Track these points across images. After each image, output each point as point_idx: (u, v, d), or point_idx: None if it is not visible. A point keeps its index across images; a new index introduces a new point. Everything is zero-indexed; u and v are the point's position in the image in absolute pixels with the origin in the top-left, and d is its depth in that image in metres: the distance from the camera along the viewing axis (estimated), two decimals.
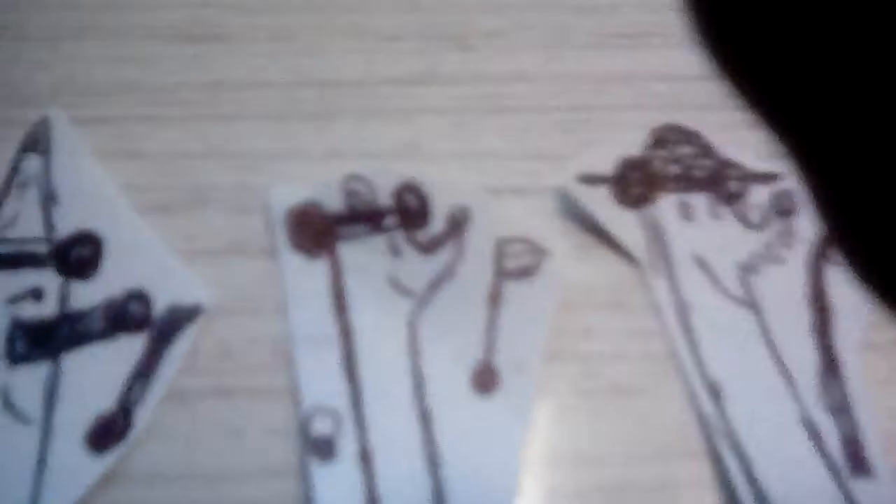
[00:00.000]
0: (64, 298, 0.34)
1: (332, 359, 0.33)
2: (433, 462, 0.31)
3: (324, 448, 0.31)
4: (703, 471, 0.32)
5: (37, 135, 0.38)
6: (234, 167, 0.38)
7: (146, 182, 0.38)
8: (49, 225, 0.36)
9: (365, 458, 0.31)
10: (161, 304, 0.34)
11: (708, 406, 0.33)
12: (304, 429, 0.31)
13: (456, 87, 0.42)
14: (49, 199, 0.36)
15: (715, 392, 0.34)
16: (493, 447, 0.32)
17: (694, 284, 0.36)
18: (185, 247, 0.36)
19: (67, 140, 0.38)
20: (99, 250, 0.35)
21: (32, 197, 0.36)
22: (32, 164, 0.37)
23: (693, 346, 0.35)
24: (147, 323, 0.34)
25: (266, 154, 0.39)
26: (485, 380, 0.33)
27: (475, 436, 0.32)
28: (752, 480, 0.32)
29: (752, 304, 0.36)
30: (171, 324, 0.34)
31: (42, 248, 0.35)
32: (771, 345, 0.35)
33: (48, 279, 0.34)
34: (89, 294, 0.34)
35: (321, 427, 0.32)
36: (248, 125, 0.40)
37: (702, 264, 0.37)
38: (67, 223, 0.36)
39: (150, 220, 0.37)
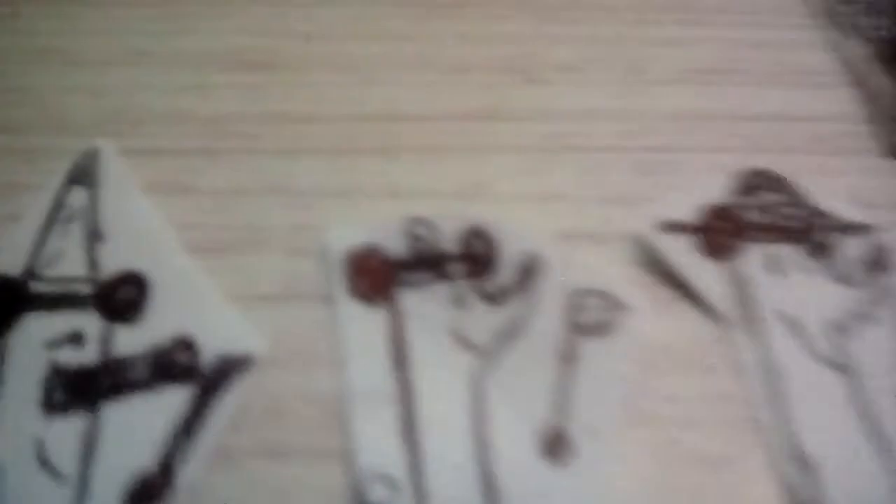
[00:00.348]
0: (106, 343, 0.32)
1: (389, 419, 0.31)
2: None
3: None
4: None
5: (84, 166, 0.36)
6: (289, 205, 0.36)
7: (197, 220, 0.36)
8: (93, 264, 0.34)
9: None
10: (209, 352, 0.32)
11: (798, 479, 0.30)
12: (357, 495, 0.29)
13: (524, 123, 0.39)
14: (94, 236, 0.34)
15: (805, 464, 0.30)
16: None
17: (782, 344, 0.33)
18: (237, 291, 0.34)
19: (116, 173, 0.36)
20: (145, 292, 0.33)
21: (77, 233, 0.34)
22: (78, 197, 0.35)
23: (781, 412, 0.32)
24: (194, 373, 0.31)
25: (323, 192, 0.37)
26: (556, 447, 0.30)
27: None
28: None
29: (845, 367, 0.33)
30: (219, 374, 0.31)
31: (85, 289, 0.33)
32: (867, 412, 0.32)
33: (90, 322, 0.32)
34: (133, 339, 0.32)
35: (376, 494, 0.29)
36: (305, 160, 0.38)
37: (790, 322, 0.34)
38: (112, 262, 0.34)
39: (201, 261, 0.34)
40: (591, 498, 0.29)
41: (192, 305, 0.33)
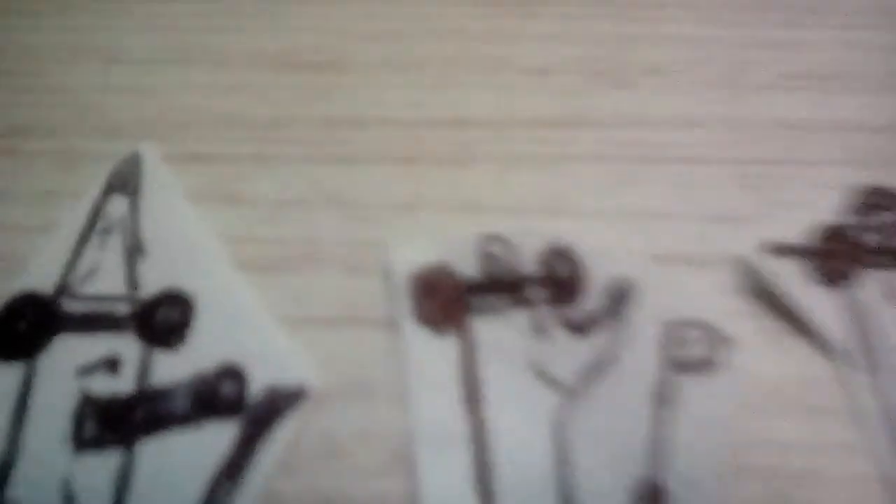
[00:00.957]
0: (144, 371, 0.28)
1: (461, 462, 0.27)
2: None
3: None
4: None
5: (125, 172, 0.33)
6: (349, 218, 0.32)
7: (247, 233, 0.32)
8: (132, 281, 0.30)
9: None
10: (258, 383, 0.28)
11: None
12: None
13: (610, 131, 0.35)
14: (135, 250, 0.31)
15: None
16: None
17: None
18: (289, 312, 0.30)
19: (159, 180, 0.33)
20: (189, 314, 0.29)
21: (116, 246, 0.31)
22: (118, 206, 0.32)
23: None
24: (240, 406, 0.28)
25: (387, 204, 0.33)
26: (650, 500, 0.26)
27: None
28: None
29: None
30: (269, 409, 0.28)
31: (123, 309, 0.30)
32: None
33: (127, 346, 0.29)
34: (175, 367, 0.29)
35: None
36: (367, 169, 0.34)
37: None
38: (154, 280, 0.30)
39: (251, 279, 0.31)
40: None
41: (241, 330, 0.29)
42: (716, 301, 0.30)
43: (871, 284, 0.31)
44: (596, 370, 0.29)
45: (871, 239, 0.32)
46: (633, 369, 0.29)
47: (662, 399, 0.28)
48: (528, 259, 0.30)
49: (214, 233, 0.32)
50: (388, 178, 0.34)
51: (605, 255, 0.30)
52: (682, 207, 0.33)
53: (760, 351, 0.30)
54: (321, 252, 0.32)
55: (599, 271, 0.30)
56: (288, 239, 0.32)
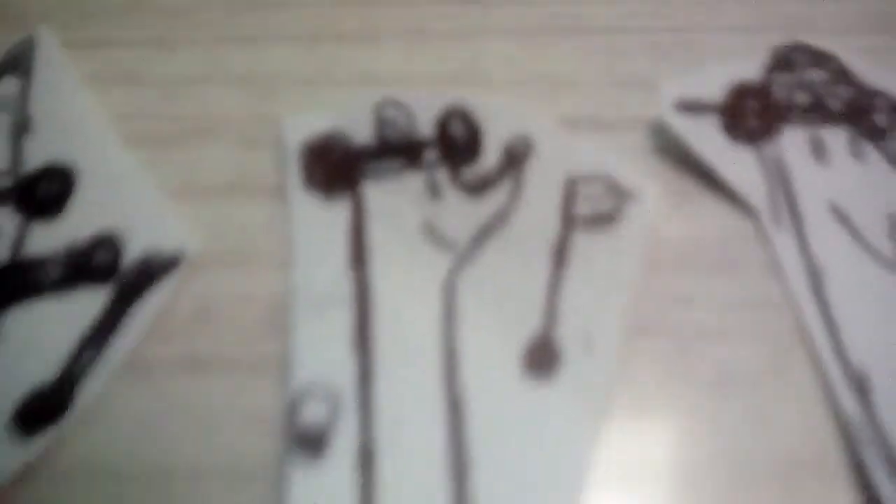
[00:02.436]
0: (19, 242, 0.27)
1: (340, 325, 0.25)
2: (459, 466, 0.23)
3: (312, 441, 0.23)
4: (840, 492, 0.23)
5: (18, 55, 0.32)
6: (248, 95, 0.31)
7: (144, 110, 0.31)
8: (17, 157, 0.29)
9: (365, 457, 0.23)
10: (134, 250, 0.27)
11: (849, 403, 0.24)
12: (290, 414, 0.23)
13: (522, 5, 0.33)
14: (21, 128, 0.30)
15: (860, 383, 0.24)
16: (548, 449, 0.23)
17: (830, 241, 0.27)
18: (178, 184, 0.29)
19: (53, 62, 0.32)
20: (70, 186, 0.28)
21: (2, 124, 0.30)
22: (8, 86, 0.31)
23: (829, 320, 0.26)
24: (114, 274, 0.26)
25: (290, 80, 0.32)
26: (541, 358, 0.25)
27: (523, 433, 0.24)
28: None
29: None
30: (142, 275, 0.26)
31: (5, 183, 0.28)
32: None
33: (5, 218, 0.28)
34: (50, 237, 0.27)
35: (312, 414, 0.24)
36: (272, 48, 0.32)
37: (840, 216, 0.28)
38: (38, 155, 0.29)
39: (141, 154, 0.30)
40: (578, 417, 0.24)
41: (121, 201, 0.28)
42: (623, 160, 0.28)
43: (794, 141, 0.29)
44: (490, 230, 0.27)
45: (795, 96, 0.30)
46: (530, 228, 0.27)
47: (560, 257, 0.26)
48: (425, 122, 0.29)
49: (107, 112, 0.31)
50: (293, 56, 0.32)
51: (504, 114, 0.29)
52: (593, 75, 0.31)
53: (669, 209, 0.28)
54: (216, 127, 0.30)
55: (498, 131, 0.28)
56: (184, 115, 0.31)
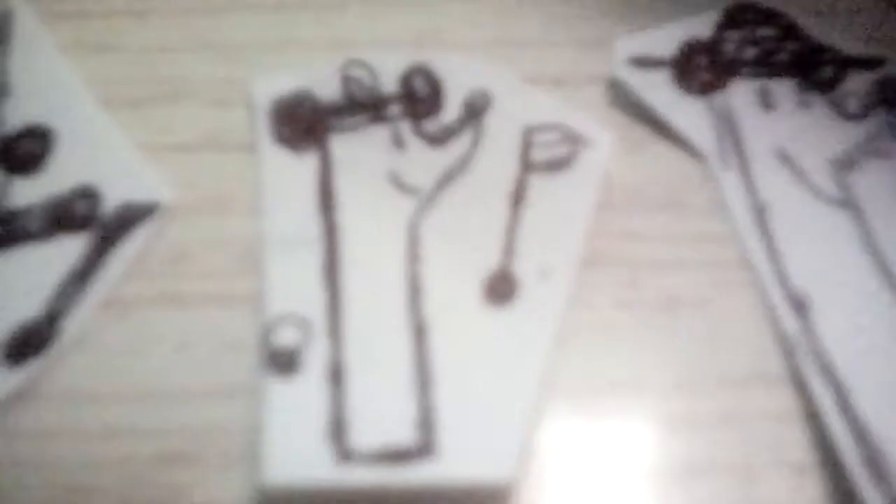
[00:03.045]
0: (2, 196, 0.28)
1: (310, 262, 0.27)
2: (423, 382, 0.24)
3: (285, 361, 0.25)
4: (782, 401, 0.25)
5: None
6: (220, 60, 0.32)
7: (118, 75, 0.32)
8: None
9: (335, 374, 0.24)
10: (112, 201, 0.28)
11: (790, 321, 0.26)
12: (264, 339, 0.25)
13: None
14: (0, 92, 0.31)
15: (800, 304, 0.26)
16: (503, 367, 0.25)
17: (775, 182, 0.29)
18: (152, 141, 0.30)
19: (29, 32, 0.33)
20: (49, 145, 0.29)
21: None
22: None
23: (772, 250, 0.27)
24: (92, 222, 0.28)
25: (258, 46, 0.33)
26: (500, 288, 0.26)
27: (481, 352, 0.25)
28: (846, 410, 0.24)
29: (847, 202, 0.28)
30: (119, 223, 0.28)
31: None
32: (872, 248, 0.27)
33: None
34: (32, 191, 0.29)
35: (286, 337, 0.25)
36: (241, 16, 0.34)
37: (785, 159, 0.29)
38: (18, 117, 0.30)
39: (117, 115, 0.31)
40: (534, 341, 0.25)
41: (99, 156, 0.29)
42: (579, 111, 0.30)
43: (742, 92, 0.31)
44: (451, 176, 0.28)
45: (744, 51, 0.32)
46: (489, 173, 0.28)
47: (517, 198, 0.28)
48: (389, 80, 0.30)
49: (83, 76, 0.32)
50: (261, 23, 0.34)
51: (464, 71, 0.30)
52: (550, 35, 0.33)
53: (622, 155, 0.29)
54: (188, 89, 0.32)
55: (458, 86, 0.30)
56: (156, 78, 0.32)
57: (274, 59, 0.32)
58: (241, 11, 0.34)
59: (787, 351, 0.25)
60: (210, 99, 0.31)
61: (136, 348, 0.25)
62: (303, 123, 0.30)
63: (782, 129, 0.30)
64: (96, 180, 0.29)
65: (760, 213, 0.28)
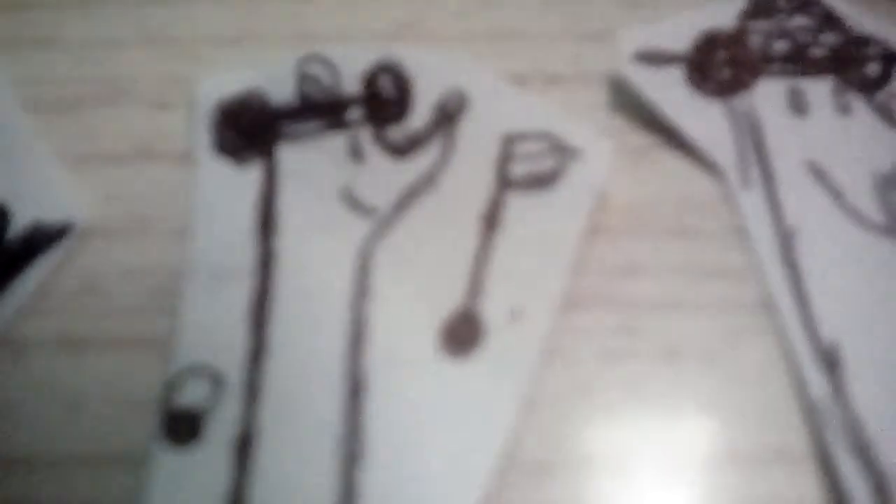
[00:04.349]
0: None
1: (235, 300, 0.22)
2: (351, 455, 0.20)
3: (185, 426, 0.20)
4: (805, 483, 0.20)
5: None
6: (167, 56, 0.28)
7: (52, 74, 0.28)
8: None
9: (243, 444, 0.20)
10: (22, 222, 0.24)
11: (818, 383, 0.21)
12: (164, 398, 0.20)
13: None
14: None
15: (830, 362, 0.21)
16: (456, 438, 0.20)
17: (805, 202, 0.24)
18: (78, 151, 0.26)
19: None
20: None
21: None
22: None
23: (799, 291, 0.22)
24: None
25: (212, 40, 0.29)
26: (460, 333, 0.22)
27: (428, 419, 0.20)
28: (883, 500, 0.19)
29: (894, 230, 0.23)
30: (25, 248, 0.24)
31: None
32: None
33: None
34: None
35: (191, 395, 0.20)
36: (195, 7, 0.29)
37: (819, 175, 0.24)
38: None
39: (43, 119, 0.27)
40: (498, 402, 0.20)
41: (11, 169, 0.25)
42: (570, 115, 0.25)
43: (770, 93, 0.26)
44: (415, 195, 0.24)
45: (773, 45, 0.27)
46: (460, 192, 0.24)
47: (490, 222, 0.23)
48: (351, 79, 0.26)
49: (13, 75, 0.28)
50: (217, 16, 0.30)
51: (437, 69, 0.25)
52: (547, 27, 0.28)
53: (623, 169, 0.25)
54: (128, 90, 0.28)
55: (430, 87, 0.25)
56: (94, 78, 0.28)
57: (228, 54, 0.28)
58: (198, 1, 0.30)
59: (813, 422, 0.20)
60: (150, 100, 0.27)
61: (20, 402, 0.21)
62: (248, 130, 0.25)
63: (815, 137, 0.25)
64: (6, 196, 0.25)
65: (787, 242, 0.23)
